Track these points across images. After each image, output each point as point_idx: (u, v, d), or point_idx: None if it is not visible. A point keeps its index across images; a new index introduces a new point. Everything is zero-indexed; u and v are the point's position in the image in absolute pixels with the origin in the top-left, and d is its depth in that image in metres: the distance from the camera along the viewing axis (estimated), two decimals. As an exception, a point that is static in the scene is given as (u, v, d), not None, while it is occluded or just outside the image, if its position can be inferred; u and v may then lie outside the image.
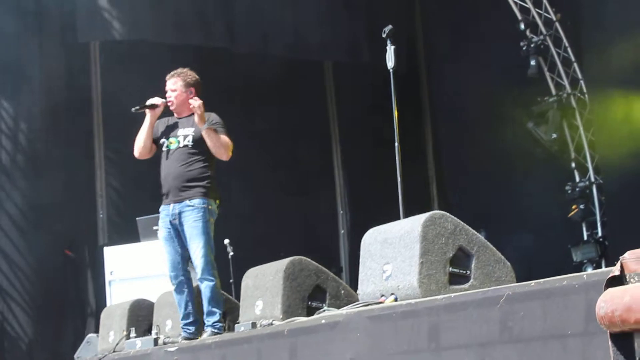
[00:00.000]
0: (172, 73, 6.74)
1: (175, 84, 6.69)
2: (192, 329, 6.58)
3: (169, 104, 6.69)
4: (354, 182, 13.15)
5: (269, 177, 12.08)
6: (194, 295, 6.61)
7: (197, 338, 6.49)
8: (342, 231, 13.11)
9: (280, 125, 12.36)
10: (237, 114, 11.80)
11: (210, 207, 6.51)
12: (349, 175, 13.22)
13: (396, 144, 6.28)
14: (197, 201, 6.47)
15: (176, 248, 6.59)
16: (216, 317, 6.47)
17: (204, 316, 6.51)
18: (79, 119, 11.46)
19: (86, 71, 11.62)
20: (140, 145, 6.72)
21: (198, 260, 6.44)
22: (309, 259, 6.01)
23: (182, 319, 6.62)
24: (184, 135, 6.61)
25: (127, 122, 6.97)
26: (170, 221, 6.56)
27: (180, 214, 6.51)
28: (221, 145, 6.48)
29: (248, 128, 11.87)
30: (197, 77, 6.74)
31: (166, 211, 6.58)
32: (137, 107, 6.72)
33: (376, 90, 10.87)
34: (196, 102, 6.47)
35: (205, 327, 6.48)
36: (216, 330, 6.42)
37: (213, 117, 6.60)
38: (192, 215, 6.46)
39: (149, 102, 6.71)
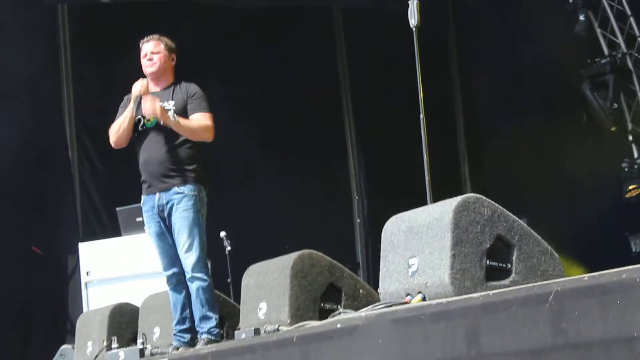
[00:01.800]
0: (149, 37, 6.85)
1: (157, 46, 6.81)
2: (186, 337, 6.61)
3: (151, 67, 6.74)
4: (371, 161, 13.13)
5: (269, 156, 12.07)
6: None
7: (191, 348, 6.52)
8: (358, 220, 13.11)
9: (282, 93, 12.31)
10: (232, 80, 11.81)
11: (201, 194, 6.60)
12: (364, 153, 13.20)
13: (421, 115, 6.29)
14: (187, 188, 6.56)
15: (170, 244, 6.66)
16: (212, 323, 6.52)
17: (197, 322, 6.56)
18: (46, 95, 11.47)
19: (53, 39, 11.61)
20: (121, 132, 6.75)
21: (187, 256, 6.52)
22: (321, 253, 6.03)
23: (175, 324, 6.66)
24: (171, 111, 6.63)
25: (101, 98, 7.01)
26: (157, 213, 6.61)
27: (168, 203, 6.55)
28: (198, 131, 6.59)
29: (243, 96, 11.86)
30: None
31: (151, 202, 6.64)
32: (138, 114, 6.72)
33: (397, 49, 10.84)
34: (153, 106, 6.54)
35: (199, 335, 6.52)
36: (212, 338, 6.47)
37: (193, 89, 6.70)
38: (182, 205, 6.54)
39: (135, 93, 6.72)
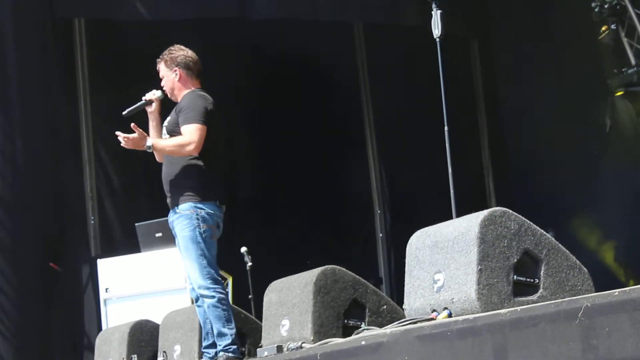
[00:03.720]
0: (158, 59, 6.82)
1: (161, 70, 6.81)
2: (211, 352, 6.61)
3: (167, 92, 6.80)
4: (393, 174, 13.11)
5: (289, 170, 12.08)
6: None
7: None
8: (380, 235, 13.08)
9: (302, 105, 12.33)
10: (251, 93, 11.84)
11: (201, 211, 6.50)
12: (386, 166, 13.18)
13: (445, 127, 6.30)
14: (183, 207, 6.53)
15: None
16: (227, 339, 6.47)
17: (215, 339, 6.54)
18: (62, 108, 11.51)
19: (70, 53, 11.65)
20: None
21: (190, 276, 6.52)
22: (344, 269, 6.03)
23: (202, 340, 6.67)
24: (164, 128, 6.75)
25: (119, 111, 7.01)
26: (173, 230, 6.68)
27: (172, 222, 6.63)
28: (174, 150, 6.50)
29: (263, 109, 11.88)
30: (186, 53, 6.77)
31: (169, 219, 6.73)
32: (128, 110, 6.76)
33: (419, 59, 10.82)
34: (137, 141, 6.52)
35: (217, 353, 6.51)
36: (231, 355, 6.43)
37: (185, 101, 6.62)
38: (179, 225, 6.54)
39: (144, 98, 6.79)
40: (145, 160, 7.13)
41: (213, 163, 6.62)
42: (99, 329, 9.30)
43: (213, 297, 6.44)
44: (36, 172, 10.94)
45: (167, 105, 6.89)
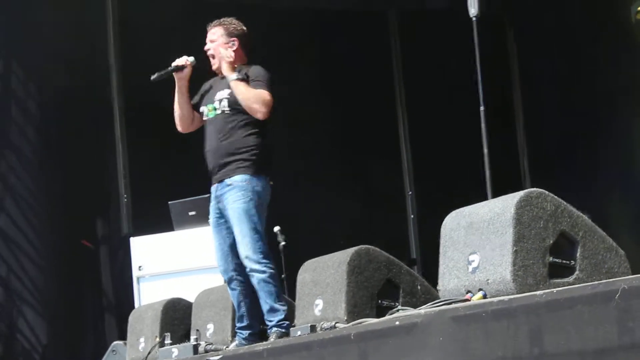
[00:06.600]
0: (213, 23, 6.80)
1: (214, 33, 6.77)
2: (244, 333, 6.64)
3: (212, 63, 6.75)
4: (425, 155, 13.09)
5: (322, 152, 12.10)
6: (252, 294, 6.60)
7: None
8: (412, 216, 13.08)
9: (335, 90, 12.33)
10: (283, 80, 11.81)
11: (255, 185, 6.51)
12: (418, 146, 13.16)
13: (481, 107, 6.29)
14: (236, 178, 6.52)
15: (224, 237, 6.66)
16: (281, 315, 6.44)
17: (265, 315, 6.50)
18: (94, 83, 11.53)
19: (102, 25, 11.64)
20: (177, 116, 6.86)
21: (241, 249, 6.47)
22: (378, 249, 6.04)
23: (236, 322, 6.69)
24: (220, 99, 6.68)
25: (153, 86, 7.04)
26: (217, 205, 6.65)
27: (222, 195, 6.58)
28: (252, 98, 6.46)
29: (296, 95, 11.88)
30: (245, 28, 6.80)
31: (213, 193, 6.68)
32: (156, 75, 6.78)
33: (452, 42, 10.81)
34: (225, 52, 6.58)
35: (268, 329, 6.48)
36: (284, 331, 6.38)
37: (255, 70, 6.63)
38: (231, 196, 6.51)
39: (173, 64, 6.79)
40: (179, 138, 7.16)
41: (267, 139, 6.65)
42: (132, 306, 9.36)
43: (264, 272, 6.43)
44: (68, 150, 11.01)
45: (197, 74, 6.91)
